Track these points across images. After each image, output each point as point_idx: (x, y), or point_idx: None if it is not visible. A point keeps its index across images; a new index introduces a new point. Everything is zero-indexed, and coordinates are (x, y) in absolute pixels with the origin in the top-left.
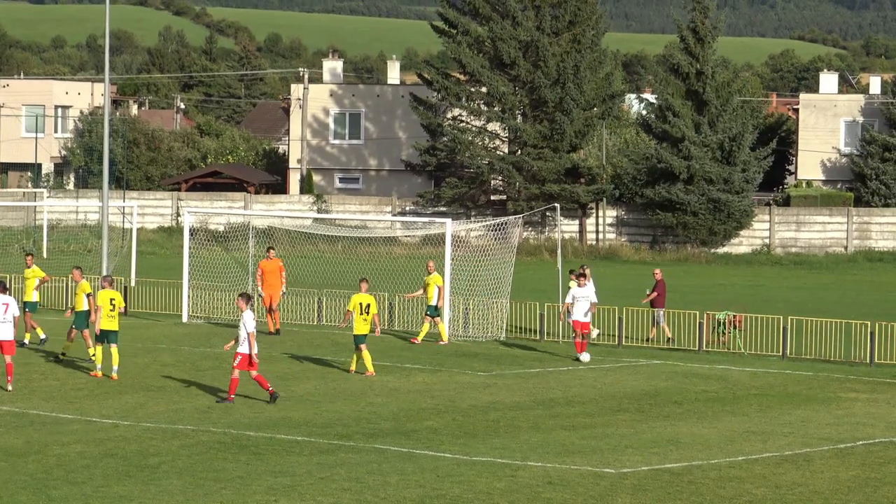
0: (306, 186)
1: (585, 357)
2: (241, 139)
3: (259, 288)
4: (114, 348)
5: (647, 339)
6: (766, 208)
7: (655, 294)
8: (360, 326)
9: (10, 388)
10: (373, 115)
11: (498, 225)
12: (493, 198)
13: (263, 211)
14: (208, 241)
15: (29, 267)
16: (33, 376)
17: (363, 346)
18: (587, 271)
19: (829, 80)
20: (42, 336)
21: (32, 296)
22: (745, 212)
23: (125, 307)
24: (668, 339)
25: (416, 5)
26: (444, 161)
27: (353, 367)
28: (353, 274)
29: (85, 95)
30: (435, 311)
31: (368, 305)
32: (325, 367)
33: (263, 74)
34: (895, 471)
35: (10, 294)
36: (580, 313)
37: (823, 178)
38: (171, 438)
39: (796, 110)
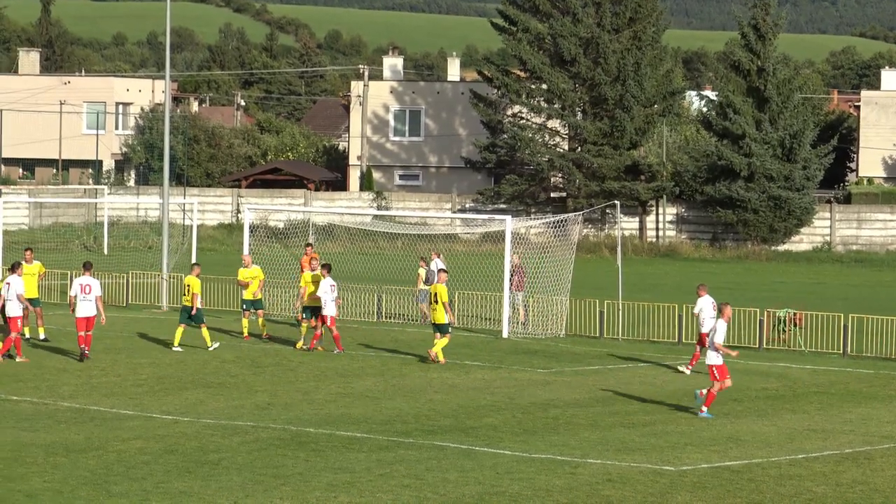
0: (366, 183)
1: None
2: (301, 136)
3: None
4: None
5: (520, 323)
6: (826, 206)
7: (517, 279)
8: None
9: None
10: (433, 112)
11: (558, 222)
12: (552, 195)
13: (323, 208)
14: (268, 237)
15: (29, 263)
16: (93, 372)
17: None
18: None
19: (890, 77)
20: (42, 336)
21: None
22: (806, 209)
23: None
24: (522, 323)
25: (476, 2)
26: (503, 158)
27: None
28: (413, 271)
29: (146, 92)
30: (252, 305)
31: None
32: (384, 363)
33: (324, 71)
34: None
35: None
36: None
37: (885, 176)
38: (230, 435)
39: (858, 107)
